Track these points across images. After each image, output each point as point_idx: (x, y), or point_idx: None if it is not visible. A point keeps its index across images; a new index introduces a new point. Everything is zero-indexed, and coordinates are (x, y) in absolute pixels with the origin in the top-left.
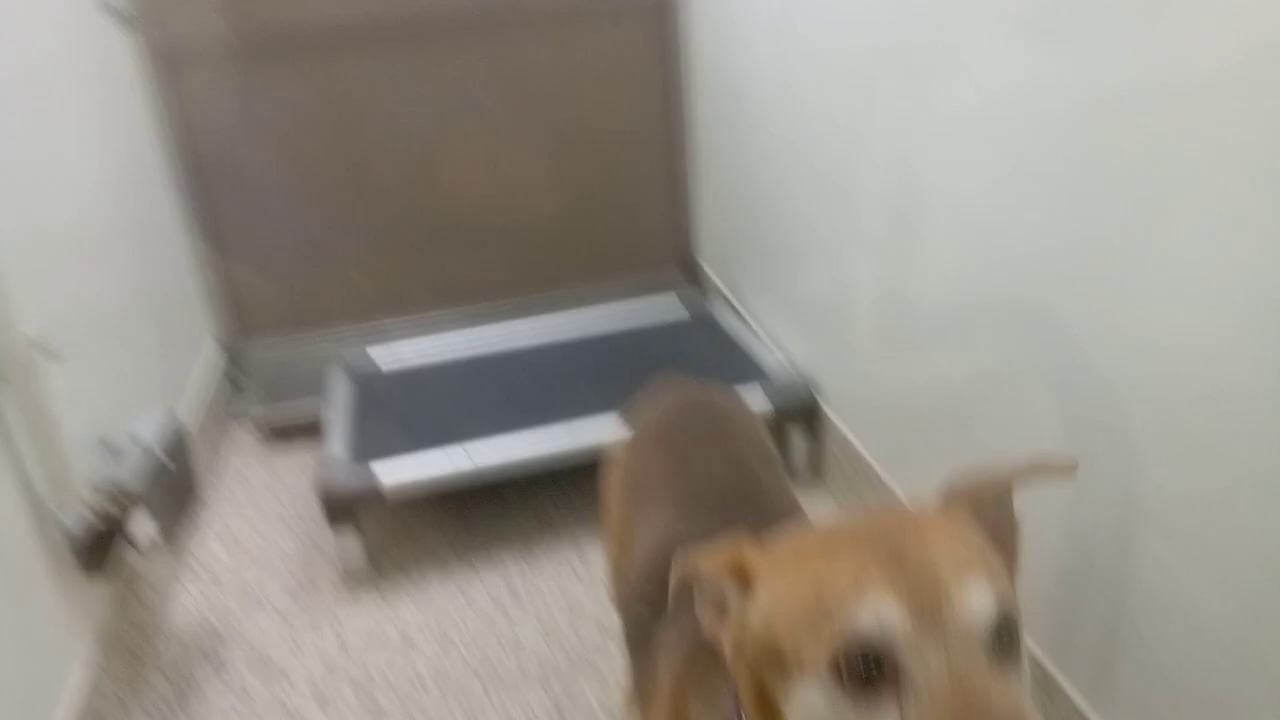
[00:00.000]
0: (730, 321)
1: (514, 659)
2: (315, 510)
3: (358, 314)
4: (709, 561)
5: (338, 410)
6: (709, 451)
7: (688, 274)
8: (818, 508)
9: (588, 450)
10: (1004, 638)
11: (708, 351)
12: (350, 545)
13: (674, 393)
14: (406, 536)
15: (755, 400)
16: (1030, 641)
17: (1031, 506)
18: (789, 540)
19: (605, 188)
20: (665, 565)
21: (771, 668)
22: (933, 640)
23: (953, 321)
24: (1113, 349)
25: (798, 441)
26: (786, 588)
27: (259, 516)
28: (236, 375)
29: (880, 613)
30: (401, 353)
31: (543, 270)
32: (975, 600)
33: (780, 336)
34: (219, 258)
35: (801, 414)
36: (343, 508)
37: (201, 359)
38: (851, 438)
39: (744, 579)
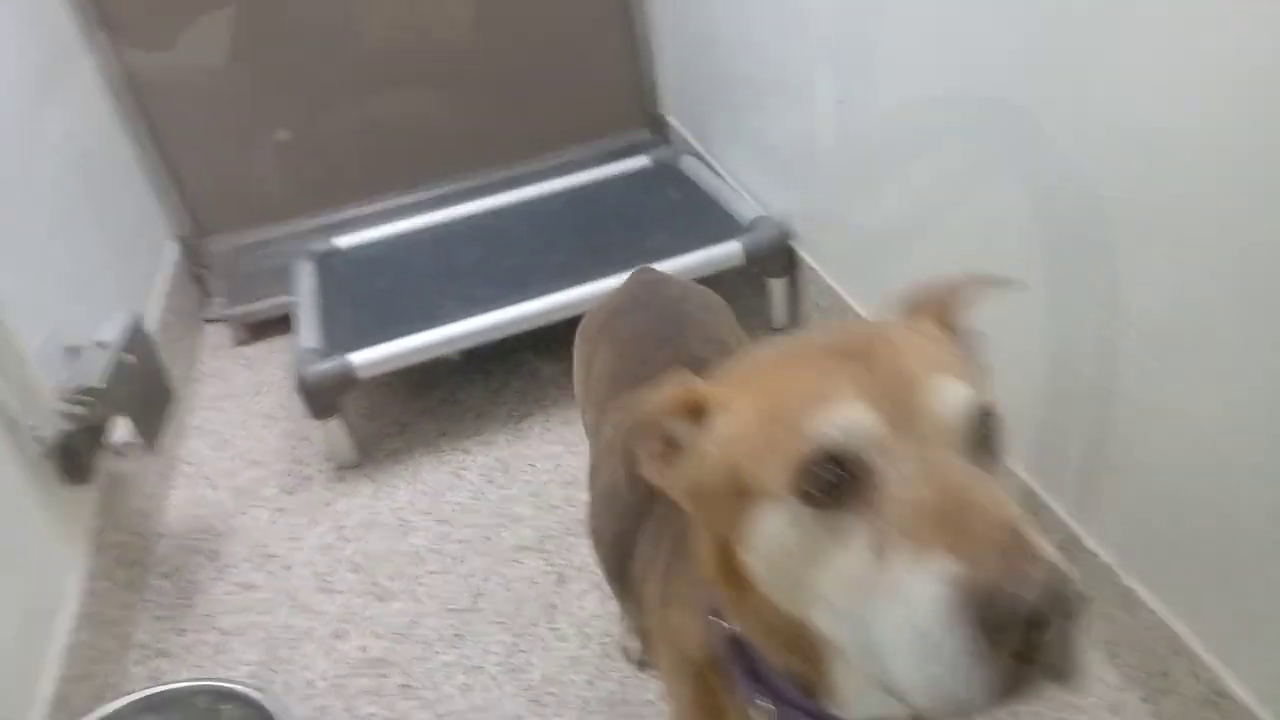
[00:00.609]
0: (703, 175)
1: (511, 531)
2: (299, 404)
3: (320, 205)
4: (656, 401)
5: (306, 300)
6: (656, 341)
7: (656, 132)
8: None
9: (564, 317)
10: (983, 435)
11: (681, 208)
12: (338, 435)
13: (630, 283)
14: (395, 425)
15: (732, 253)
16: (1017, 466)
17: (1014, 328)
18: (745, 362)
19: (561, 49)
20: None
21: (732, 504)
22: (905, 440)
23: (921, 134)
24: (1083, 141)
25: (777, 291)
26: (744, 409)
27: (244, 415)
28: (204, 276)
29: (846, 416)
30: (367, 238)
31: (505, 142)
32: (949, 395)
33: (754, 186)
34: (165, 158)
35: (780, 261)
36: (323, 398)
37: (165, 263)
38: (831, 282)
39: (697, 413)
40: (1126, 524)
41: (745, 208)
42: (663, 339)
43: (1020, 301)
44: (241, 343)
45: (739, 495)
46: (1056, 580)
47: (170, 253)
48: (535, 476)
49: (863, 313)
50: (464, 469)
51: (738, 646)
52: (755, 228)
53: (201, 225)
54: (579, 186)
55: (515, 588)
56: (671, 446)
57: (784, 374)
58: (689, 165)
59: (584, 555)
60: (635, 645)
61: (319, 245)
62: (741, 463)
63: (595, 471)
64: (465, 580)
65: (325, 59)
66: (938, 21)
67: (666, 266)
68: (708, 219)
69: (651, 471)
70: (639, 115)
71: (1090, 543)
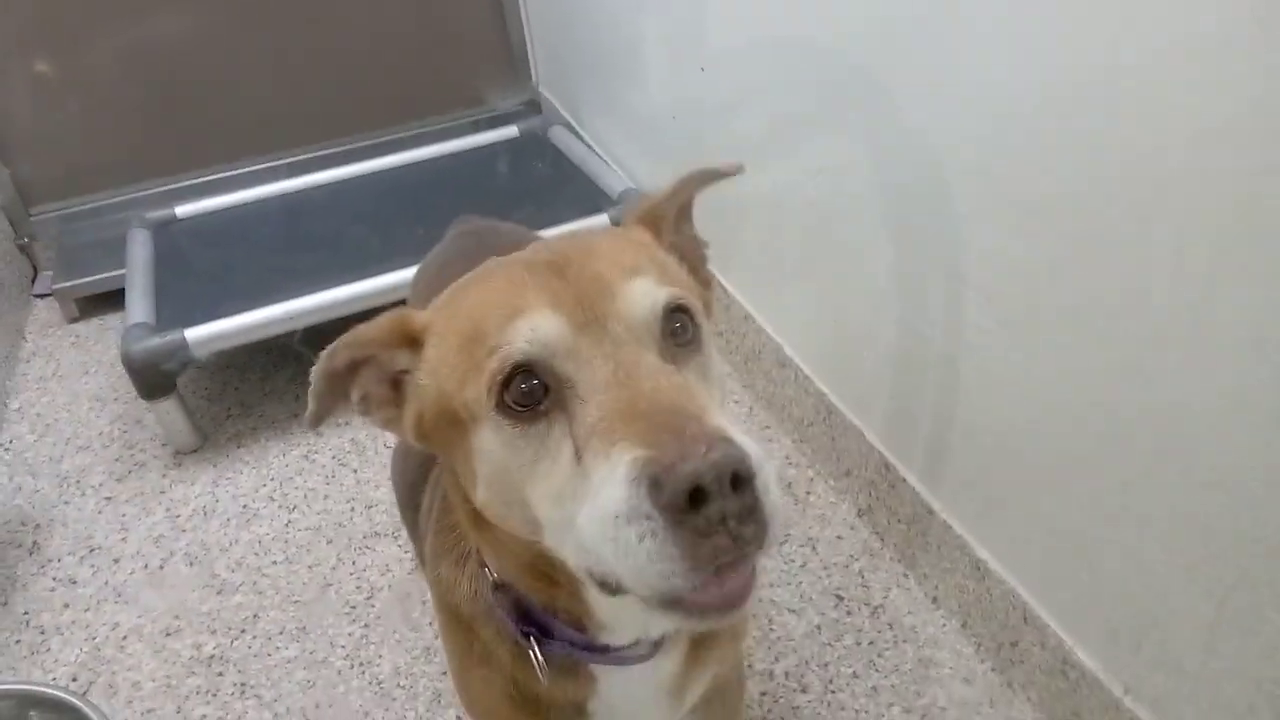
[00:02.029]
0: (573, 147)
1: (364, 517)
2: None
3: (162, 170)
4: (367, 335)
5: (139, 272)
6: None
7: (527, 102)
8: None
9: None
10: (680, 332)
11: (549, 180)
12: (174, 417)
13: (455, 236)
14: (240, 406)
15: (600, 225)
16: (871, 436)
17: (864, 296)
18: (453, 285)
19: (427, 11)
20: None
21: (452, 433)
22: (596, 344)
23: (777, 104)
24: (930, 107)
25: None
26: (446, 331)
27: (71, 398)
28: (32, 249)
29: (535, 326)
30: (209, 206)
31: (365, 109)
32: (638, 294)
33: (624, 158)
34: None
35: None
36: (154, 378)
37: None
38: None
39: (412, 342)
40: (976, 494)
41: (614, 180)
42: None
43: (869, 270)
44: (73, 319)
45: (455, 423)
46: (721, 455)
47: None
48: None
49: (731, 290)
50: (315, 452)
51: (506, 592)
52: (624, 201)
53: (26, 192)
54: (442, 156)
55: (367, 576)
56: (397, 389)
57: (480, 289)
58: (558, 136)
59: None
60: None
61: (156, 213)
62: (448, 388)
63: None
64: (312, 570)
65: (168, 6)
66: None
67: None
68: (576, 191)
69: (379, 418)
70: (509, 84)
71: (943, 514)
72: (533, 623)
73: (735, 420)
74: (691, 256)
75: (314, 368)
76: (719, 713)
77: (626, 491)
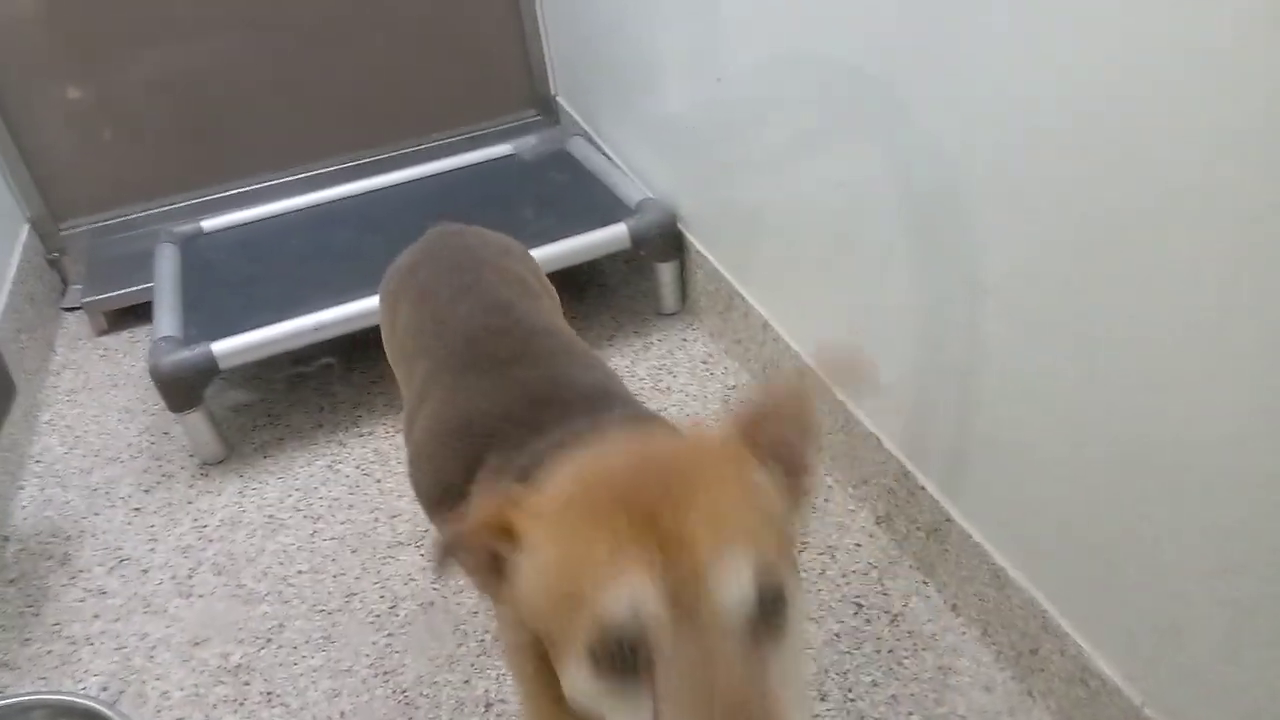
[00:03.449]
0: (591, 157)
1: (387, 527)
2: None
3: (188, 185)
4: (471, 530)
5: (166, 285)
6: (453, 289)
7: (545, 113)
8: (690, 344)
9: None
10: (769, 614)
11: (567, 191)
12: (200, 429)
13: (425, 238)
14: (266, 418)
15: (618, 236)
16: (889, 444)
17: (883, 305)
18: (553, 489)
19: (447, 26)
20: (434, 434)
21: (546, 637)
22: (687, 626)
23: (793, 112)
24: (945, 113)
25: (665, 276)
26: (547, 554)
27: (100, 409)
28: (60, 261)
29: (632, 599)
30: (235, 220)
31: (385, 122)
32: (733, 582)
33: (643, 168)
34: (12, 134)
35: (667, 245)
36: (182, 390)
37: (19, 250)
38: (718, 266)
39: (511, 538)
40: (996, 502)
41: (632, 190)
42: (461, 288)
43: (888, 278)
44: (102, 332)
45: (549, 636)
46: None
47: (26, 239)
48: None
49: (749, 299)
50: (339, 462)
51: None
52: (642, 210)
53: (55, 207)
54: (462, 168)
55: (390, 586)
56: (497, 559)
57: (582, 529)
58: (577, 147)
59: None
60: None
61: (183, 227)
62: (543, 613)
63: (410, 423)
64: (336, 580)
65: (191, 27)
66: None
67: (551, 250)
68: (594, 202)
69: (480, 584)
70: (527, 96)
71: (962, 522)
72: None
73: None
74: (797, 450)
75: (441, 547)
76: None
77: None
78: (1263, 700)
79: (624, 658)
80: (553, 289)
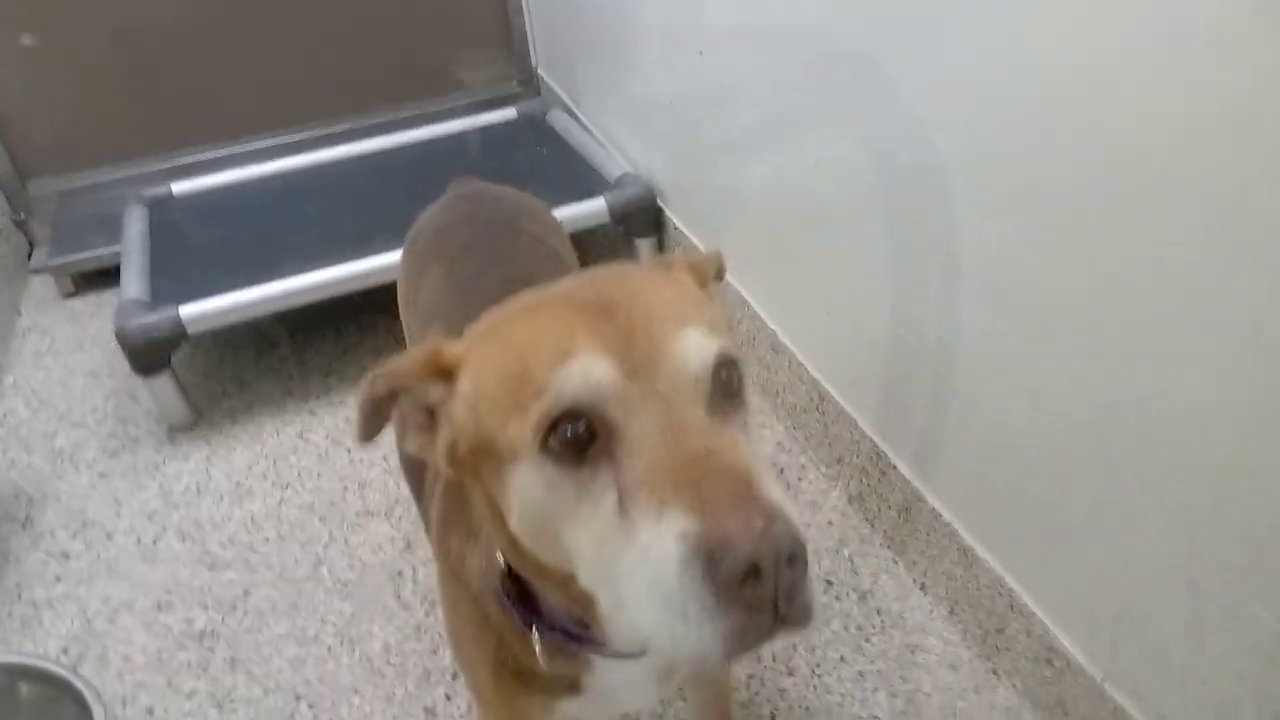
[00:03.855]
0: (571, 130)
1: (357, 496)
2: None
3: (158, 148)
4: (402, 367)
5: (134, 248)
6: (482, 258)
7: (528, 87)
8: None
9: None
10: (725, 383)
11: (546, 163)
12: (168, 394)
13: (452, 199)
14: (236, 384)
15: (596, 210)
16: (864, 423)
17: (860, 285)
18: (490, 317)
19: None
20: None
21: (487, 464)
22: (645, 395)
23: (773, 88)
24: (927, 94)
25: (644, 252)
26: (487, 367)
27: (65, 373)
28: (29, 225)
29: (586, 371)
30: (206, 184)
31: (363, 89)
32: (691, 347)
33: (623, 143)
34: None
35: (646, 221)
36: (148, 354)
37: None
38: (697, 242)
39: (446, 374)
40: (966, 483)
41: (612, 165)
42: (491, 257)
43: (866, 258)
44: (69, 295)
45: (492, 456)
46: (780, 532)
47: None
48: (386, 440)
49: (726, 276)
50: (309, 431)
51: (514, 580)
52: (621, 185)
53: (22, 167)
54: (440, 138)
55: (358, 555)
56: (432, 416)
57: (525, 327)
58: (557, 119)
59: None
60: None
61: (153, 191)
62: (488, 422)
63: None
64: (304, 548)
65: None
66: None
67: None
68: (573, 175)
69: (414, 444)
70: (508, 68)
71: (932, 501)
72: (536, 611)
73: (776, 480)
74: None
75: (360, 393)
76: (709, 693)
77: (678, 567)
78: (1226, 683)
79: (579, 439)
80: (571, 248)
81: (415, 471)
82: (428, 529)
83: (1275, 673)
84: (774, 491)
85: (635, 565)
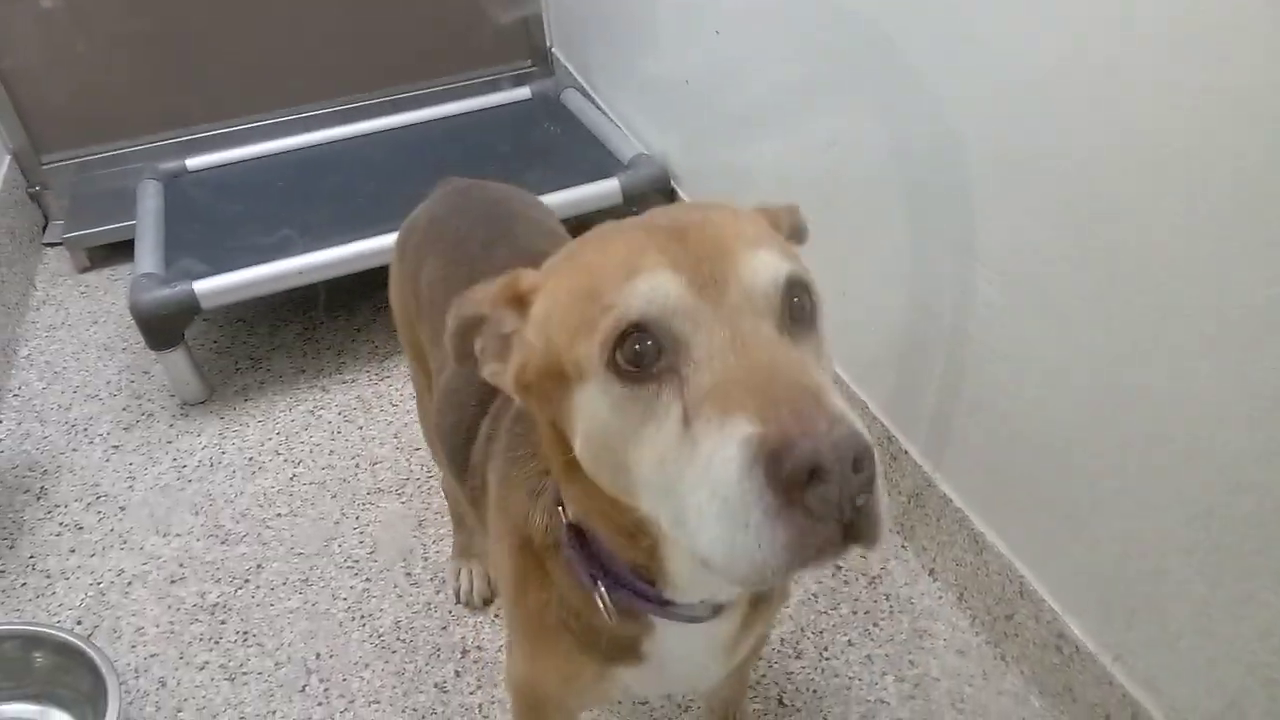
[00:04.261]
0: (585, 110)
1: (368, 474)
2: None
3: (174, 122)
4: (483, 296)
5: (149, 223)
6: (486, 238)
7: (541, 64)
8: None
9: None
10: (795, 305)
11: (560, 143)
12: (181, 369)
13: (443, 193)
14: (249, 360)
15: (609, 191)
16: (876, 409)
17: (875, 271)
18: (565, 248)
19: None
20: (458, 381)
21: (555, 387)
22: (714, 310)
23: (790, 70)
24: (949, 83)
25: None
26: (559, 290)
27: (80, 347)
28: (44, 198)
29: (654, 287)
30: (221, 159)
31: (378, 66)
32: (760, 265)
33: (637, 124)
34: None
35: (659, 202)
36: (162, 328)
37: None
38: None
39: (521, 302)
40: (977, 469)
41: (626, 145)
42: (493, 238)
43: (879, 242)
44: (84, 269)
45: (559, 378)
46: (844, 434)
47: (2, 169)
48: (398, 418)
49: None
50: (321, 408)
51: (579, 535)
52: (635, 166)
53: (38, 140)
54: (454, 116)
55: (370, 532)
56: (507, 344)
57: (597, 251)
58: (571, 99)
59: (444, 500)
60: (463, 585)
61: (168, 165)
62: (557, 343)
63: (440, 374)
64: (316, 524)
65: None
66: None
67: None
68: (587, 155)
69: (488, 371)
70: (523, 46)
71: (943, 487)
72: (601, 567)
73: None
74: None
75: (449, 318)
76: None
77: (740, 470)
78: (1235, 670)
79: (647, 357)
80: (567, 235)
81: (453, 443)
82: (470, 499)
83: None
84: (841, 403)
85: (698, 477)
